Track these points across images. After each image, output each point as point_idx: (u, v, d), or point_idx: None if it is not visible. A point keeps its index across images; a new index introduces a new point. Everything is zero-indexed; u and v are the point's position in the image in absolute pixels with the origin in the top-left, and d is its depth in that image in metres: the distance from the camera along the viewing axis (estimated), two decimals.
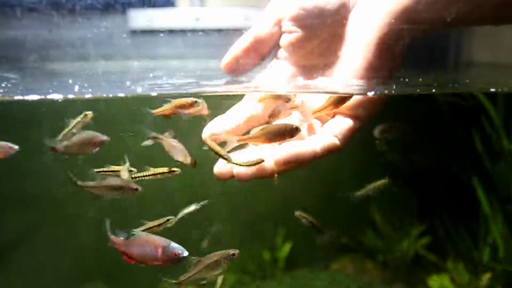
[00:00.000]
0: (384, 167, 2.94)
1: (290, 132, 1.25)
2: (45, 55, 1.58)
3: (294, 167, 1.22)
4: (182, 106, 1.34)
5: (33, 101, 1.35)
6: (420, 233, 3.10)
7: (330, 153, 1.22)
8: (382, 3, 1.20)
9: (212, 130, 1.26)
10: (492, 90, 1.83)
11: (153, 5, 1.53)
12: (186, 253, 1.25)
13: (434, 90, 1.65)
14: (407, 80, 1.47)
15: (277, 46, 1.33)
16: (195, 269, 1.38)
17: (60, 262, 2.77)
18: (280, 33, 1.31)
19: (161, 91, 1.46)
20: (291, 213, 2.48)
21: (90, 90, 1.41)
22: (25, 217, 2.70)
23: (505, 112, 2.80)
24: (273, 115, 1.31)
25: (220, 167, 1.24)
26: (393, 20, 1.18)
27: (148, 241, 1.25)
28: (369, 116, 1.30)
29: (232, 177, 1.23)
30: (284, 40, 1.30)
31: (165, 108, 1.35)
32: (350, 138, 1.26)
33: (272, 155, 1.20)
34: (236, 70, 1.33)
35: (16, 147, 1.50)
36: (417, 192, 3.03)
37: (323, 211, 3.20)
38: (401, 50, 1.24)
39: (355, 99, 1.28)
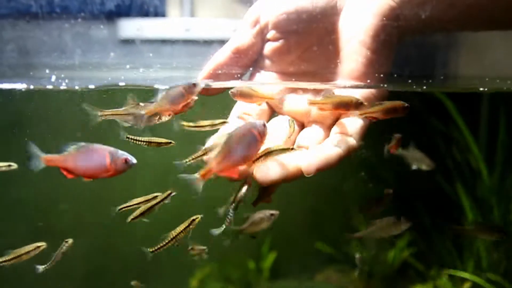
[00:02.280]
0: (368, 180, 2.96)
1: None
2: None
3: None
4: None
5: None
6: (405, 244, 3.12)
7: (350, 154, 1.13)
8: (370, 3, 1.13)
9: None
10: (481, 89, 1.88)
11: (144, 14, 1.51)
12: (134, 161, 1.10)
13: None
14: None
15: (260, 55, 1.23)
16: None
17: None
18: (262, 42, 1.22)
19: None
20: (277, 223, 2.44)
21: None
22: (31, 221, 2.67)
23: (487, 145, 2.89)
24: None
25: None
26: (383, 18, 1.12)
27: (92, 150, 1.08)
28: None
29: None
30: (268, 48, 1.22)
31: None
32: (363, 136, 1.19)
33: (302, 162, 1.08)
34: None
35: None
36: (402, 203, 3.06)
37: (309, 221, 3.20)
38: (393, 48, 1.17)
39: (362, 96, 1.18)
